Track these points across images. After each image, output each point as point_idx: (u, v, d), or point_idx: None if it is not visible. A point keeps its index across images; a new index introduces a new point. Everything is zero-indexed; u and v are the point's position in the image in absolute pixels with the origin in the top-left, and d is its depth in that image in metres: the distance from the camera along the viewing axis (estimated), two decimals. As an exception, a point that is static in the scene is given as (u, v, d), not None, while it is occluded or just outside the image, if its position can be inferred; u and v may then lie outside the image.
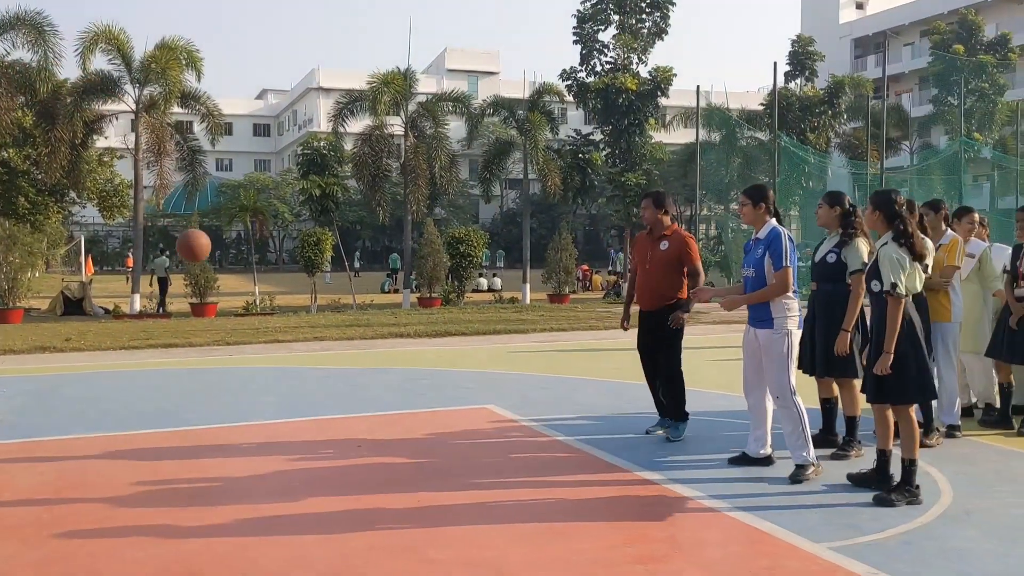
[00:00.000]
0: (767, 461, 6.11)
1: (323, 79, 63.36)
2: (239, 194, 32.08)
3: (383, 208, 27.52)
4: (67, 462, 6.47)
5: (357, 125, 28.13)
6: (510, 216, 58.35)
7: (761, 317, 5.86)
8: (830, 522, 4.98)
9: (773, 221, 5.90)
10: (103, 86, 23.57)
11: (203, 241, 7.55)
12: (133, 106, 23.91)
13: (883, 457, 5.53)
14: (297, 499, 5.53)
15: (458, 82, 52.79)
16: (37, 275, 26.05)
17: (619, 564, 4.39)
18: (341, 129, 27.44)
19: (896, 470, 5.47)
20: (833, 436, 6.59)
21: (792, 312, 5.84)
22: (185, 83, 24.16)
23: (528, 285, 28.07)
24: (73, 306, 23.68)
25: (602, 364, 11.87)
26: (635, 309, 7.45)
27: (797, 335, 5.95)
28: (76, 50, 22.84)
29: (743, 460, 6.19)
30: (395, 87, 26.40)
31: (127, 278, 38.09)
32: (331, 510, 5.29)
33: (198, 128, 26.46)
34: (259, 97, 78.30)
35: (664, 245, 6.96)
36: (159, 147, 23.96)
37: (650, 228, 7.13)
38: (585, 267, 37.04)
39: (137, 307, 22.95)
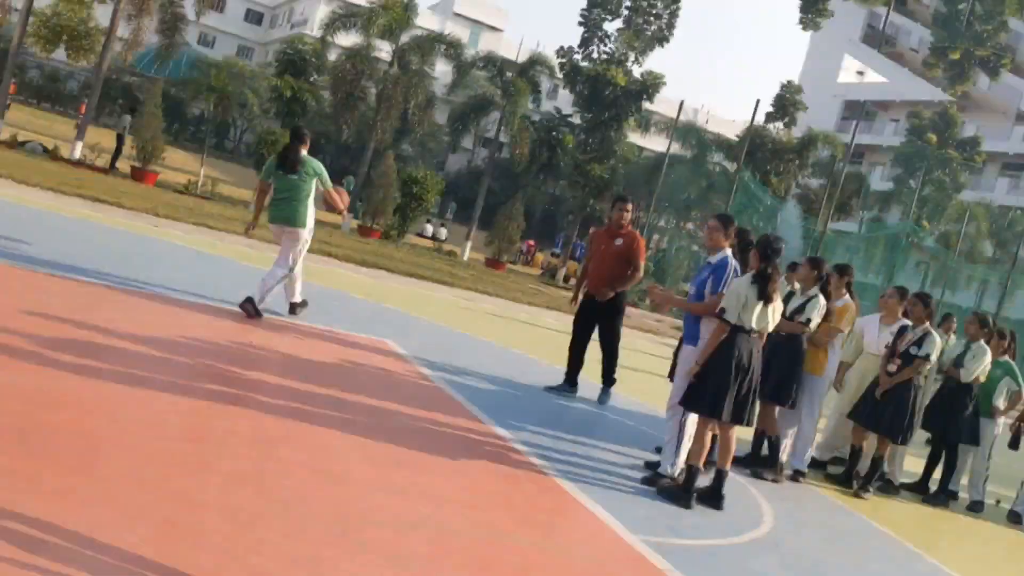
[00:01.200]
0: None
1: (328, -16, 62.02)
2: (211, 73, 31.52)
3: (349, 127, 27.40)
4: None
5: (346, 40, 27.87)
6: (475, 173, 58.28)
7: (692, 334, 6.21)
8: (654, 519, 5.36)
9: (728, 251, 6.25)
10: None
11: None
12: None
13: (717, 475, 5.99)
14: (168, 369, 5.73)
15: (461, 28, 52.25)
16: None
17: (447, 503, 4.70)
18: (329, 39, 27.16)
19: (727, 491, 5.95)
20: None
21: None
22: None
23: (470, 243, 28.28)
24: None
25: (513, 334, 12.19)
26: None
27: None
28: None
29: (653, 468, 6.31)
30: (394, 14, 26.21)
31: (76, 124, 37.13)
32: (201, 386, 5.50)
33: (189, -5, 25.95)
34: (261, -18, 76.19)
35: (619, 242, 8.04)
36: (142, 3, 23.43)
37: (610, 226, 8.25)
38: (531, 242, 37.38)
39: (77, 154, 22.54)
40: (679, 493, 5.77)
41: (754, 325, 5.87)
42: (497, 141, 30.72)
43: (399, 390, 6.95)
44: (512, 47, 53.73)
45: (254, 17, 71.95)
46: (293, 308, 8.57)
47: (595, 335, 8.38)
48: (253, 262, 11.97)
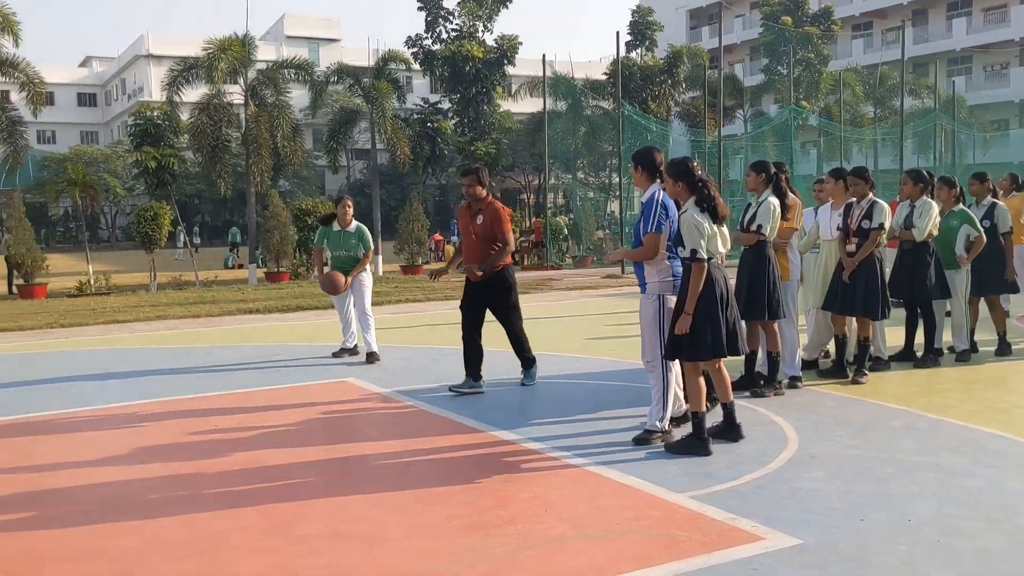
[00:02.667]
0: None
1: (153, 46, 60.02)
2: (66, 168, 30.06)
3: (224, 180, 26.49)
4: None
5: (193, 94, 26.88)
6: (358, 187, 57.42)
7: (640, 282, 5.93)
8: (688, 473, 5.20)
9: (655, 186, 5.85)
10: (-96, 51, 21.54)
11: (338, 280, 9.21)
12: (-59, 73, 21.97)
13: (726, 409, 5.86)
14: (154, 485, 5.28)
15: (298, 49, 51.10)
16: None
17: (493, 526, 4.42)
18: (176, 98, 26.14)
19: (743, 419, 5.87)
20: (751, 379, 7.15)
21: (664, 276, 5.78)
22: (2, 49, 22.36)
23: (380, 257, 27.75)
24: None
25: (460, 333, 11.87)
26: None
27: (671, 300, 5.77)
28: None
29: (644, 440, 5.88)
30: (233, 53, 25.35)
31: None
32: (192, 492, 5.08)
33: (16, 97, 24.60)
34: (83, 64, 73.31)
35: (480, 219, 7.53)
36: (-27, 117, 22.18)
37: (469, 202, 7.68)
38: (438, 236, 36.99)
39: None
40: (693, 443, 5.58)
41: (721, 250, 5.72)
42: (374, 149, 30.12)
43: (386, 424, 6.61)
44: (353, 54, 52.91)
45: (87, 100, 69.31)
46: (372, 357, 9.30)
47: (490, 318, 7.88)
48: (171, 343, 11.38)
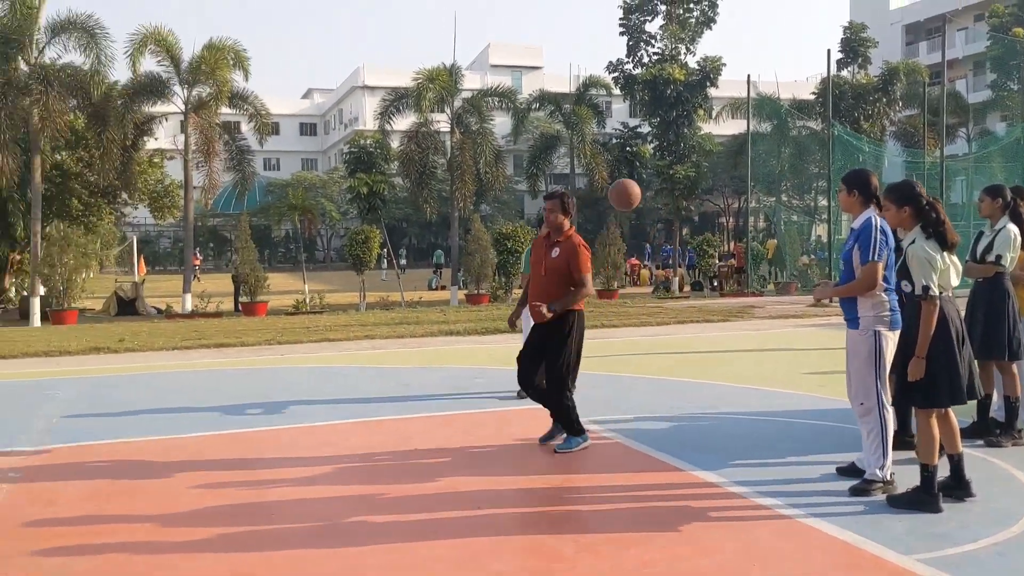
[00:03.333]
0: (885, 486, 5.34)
1: (368, 77, 63.54)
2: (287, 193, 32.27)
3: (430, 205, 27.48)
4: (119, 467, 6.39)
5: (403, 122, 28.12)
6: (555, 211, 58.06)
7: (849, 316, 5.41)
8: (915, 531, 4.68)
9: (870, 211, 5.37)
10: (153, 88, 23.82)
11: (635, 190, 7.16)
12: (182, 107, 24.11)
13: (952, 462, 5.24)
14: (354, 507, 5.37)
15: (502, 78, 52.54)
16: (91, 276, 26.42)
17: (694, 578, 4.14)
18: (387, 127, 27.46)
19: (972, 473, 5.23)
20: (909, 437, 6.27)
21: (880, 311, 5.28)
22: (233, 83, 24.29)
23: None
24: (126, 306, 24.01)
25: (657, 361, 11.58)
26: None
27: (890, 337, 5.27)
28: (126, 52, 23.10)
29: (850, 471, 5.59)
30: (440, 83, 26.30)
31: (195, 276, 38.53)
32: (389, 519, 5.11)
33: (246, 128, 26.64)
34: (305, 96, 78.86)
35: (555, 252, 6.54)
36: (208, 147, 24.21)
37: (548, 233, 6.71)
38: (634, 260, 36.66)
39: (189, 307, 23.14)
40: (922, 498, 5.02)
41: (954, 282, 5.16)
42: (572, 174, 30.35)
43: (580, 458, 6.43)
44: (554, 80, 53.66)
45: (308, 129, 74.36)
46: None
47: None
48: (377, 363, 11.76)
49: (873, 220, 5.32)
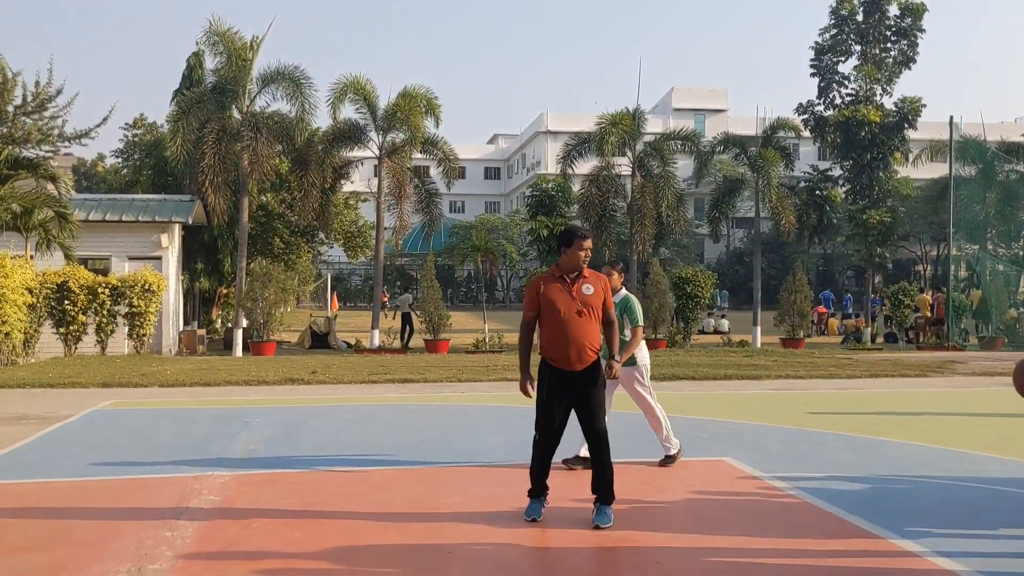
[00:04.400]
0: None
1: (551, 123, 64.75)
2: (471, 234, 33.22)
3: (608, 248, 27.42)
4: (308, 496, 6.66)
5: (584, 166, 28.33)
6: (736, 255, 56.67)
7: None
8: None
9: None
10: (351, 134, 25.18)
11: None
12: (377, 152, 25.35)
13: None
14: (529, 545, 5.34)
15: (684, 121, 52.18)
16: (288, 310, 28.11)
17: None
18: (569, 170, 27.74)
19: None
20: None
21: None
22: (425, 129, 25.32)
23: (759, 328, 26.90)
24: (319, 340, 25.30)
25: (849, 418, 10.94)
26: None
27: None
28: (327, 100, 24.57)
29: None
30: (623, 127, 26.34)
31: (384, 312, 40.29)
32: (548, 564, 5.04)
33: (434, 172, 27.65)
34: (490, 141, 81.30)
35: (589, 289, 5.96)
36: (400, 190, 25.29)
37: (563, 272, 6.04)
38: (822, 308, 35.06)
39: (376, 342, 24.11)
40: None
41: None
42: (757, 218, 29.48)
43: (766, 515, 6.12)
44: (738, 123, 52.68)
45: (492, 173, 76.58)
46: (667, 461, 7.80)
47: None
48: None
49: None
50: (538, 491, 6.04)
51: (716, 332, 31.77)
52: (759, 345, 25.76)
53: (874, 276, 35.29)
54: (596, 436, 6.04)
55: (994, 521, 5.89)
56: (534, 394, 6.04)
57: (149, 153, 30.20)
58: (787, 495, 6.67)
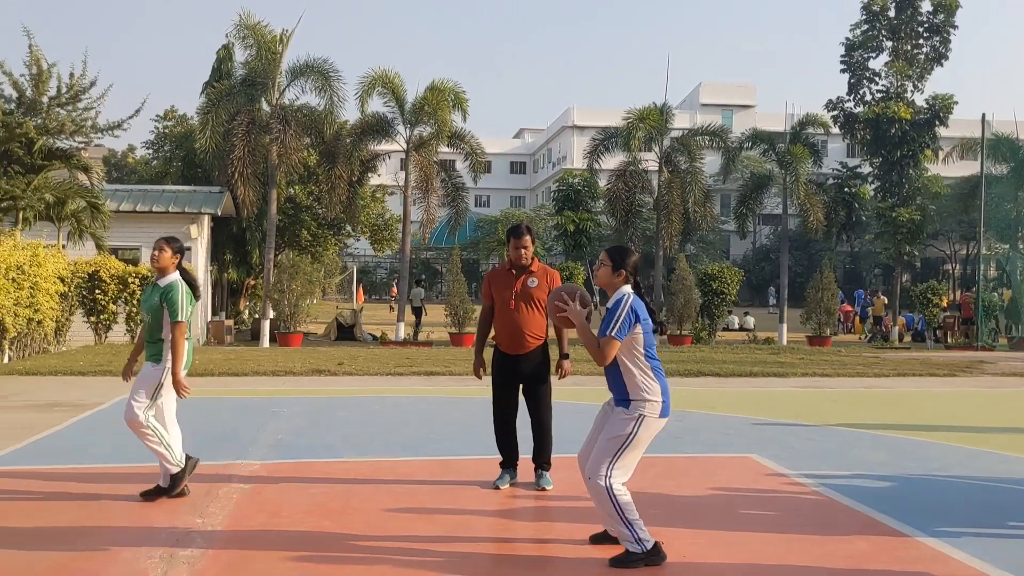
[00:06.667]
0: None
1: (577, 117, 64.65)
2: (496, 228, 33.25)
3: (634, 243, 27.39)
4: (335, 485, 6.72)
5: (611, 161, 28.27)
6: (762, 252, 56.35)
7: None
8: None
9: None
10: (378, 127, 25.28)
11: None
12: (404, 145, 25.43)
13: None
14: (554, 538, 5.36)
15: (712, 116, 51.68)
16: (315, 302, 28.31)
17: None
18: (595, 165, 27.70)
19: None
20: None
21: None
22: (452, 123, 25.35)
23: (785, 325, 26.75)
24: (345, 332, 25.44)
25: (878, 416, 10.87)
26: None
27: None
28: (356, 94, 24.68)
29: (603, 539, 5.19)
30: (651, 122, 26.27)
31: (390, 306, 40.53)
32: (589, 558, 5.06)
33: (461, 166, 27.71)
34: (516, 136, 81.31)
35: (533, 282, 6.60)
36: (426, 184, 25.36)
37: (511, 265, 6.71)
38: (847, 307, 34.80)
39: (402, 335, 24.22)
40: None
41: None
42: (785, 215, 29.31)
43: (793, 514, 6.09)
44: (766, 119, 52.21)
45: (518, 168, 76.58)
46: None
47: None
48: (581, 399, 11.75)
49: None
50: (506, 462, 6.73)
51: (741, 329, 31.63)
52: (785, 342, 25.62)
53: (902, 274, 34.97)
54: (538, 420, 6.65)
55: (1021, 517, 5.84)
56: (486, 377, 6.80)
57: (179, 145, 30.49)
58: (814, 492, 6.65)
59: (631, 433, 4.88)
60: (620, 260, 5.00)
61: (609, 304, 4.95)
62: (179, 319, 6.15)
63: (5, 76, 21.51)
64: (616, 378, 4.96)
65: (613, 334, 4.79)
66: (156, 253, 6.33)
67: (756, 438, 9.01)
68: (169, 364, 6.12)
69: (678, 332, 24.32)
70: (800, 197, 27.30)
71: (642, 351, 4.91)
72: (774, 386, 14.19)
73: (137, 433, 6.12)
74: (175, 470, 6.16)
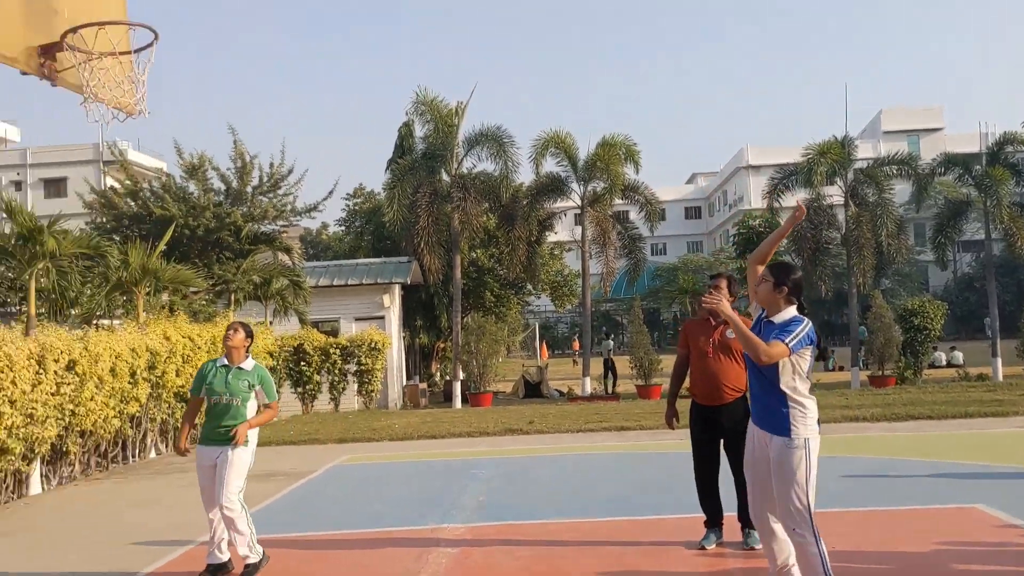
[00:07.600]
0: None
1: (752, 157, 63.32)
2: (676, 276, 32.90)
3: (824, 282, 26.32)
4: (540, 547, 6.78)
5: (791, 199, 27.42)
6: (965, 281, 52.64)
7: None
8: None
9: None
10: (553, 186, 25.77)
11: None
12: (579, 202, 25.76)
13: None
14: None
15: (897, 144, 49.28)
16: (500, 360, 28.85)
17: None
18: (776, 204, 26.95)
19: None
20: None
21: None
22: (625, 176, 25.49)
23: (999, 359, 24.78)
24: (532, 389, 25.77)
25: None
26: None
27: None
28: (529, 157, 25.30)
29: None
30: (832, 156, 25.36)
31: (573, 360, 40.72)
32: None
33: (635, 216, 27.71)
34: (689, 181, 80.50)
35: (731, 333, 5.96)
36: (603, 238, 25.53)
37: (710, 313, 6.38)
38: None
39: (588, 389, 24.26)
40: None
41: None
42: (988, 240, 27.35)
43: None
44: (957, 141, 49.27)
45: (693, 213, 75.68)
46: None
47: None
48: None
49: None
50: (711, 522, 6.52)
51: (949, 365, 29.58)
52: (1000, 378, 23.72)
53: None
54: (741, 476, 5.99)
55: None
56: (682, 431, 6.74)
57: (369, 219, 32.20)
58: (1056, 547, 6.09)
59: (807, 464, 4.80)
60: (782, 277, 4.86)
61: (780, 319, 4.82)
62: (276, 399, 6.41)
63: (214, 171, 23.65)
64: (768, 407, 4.87)
65: (788, 343, 4.66)
66: (235, 334, 6.22)
67: (980, 486, 8.38)
68: (254, 443, 6.26)
69: (880, 373, 23.05)
70: (1004, 221, 25.43)
71: (804, 370, 4.86)
72: (994, 427, 13.15)
73: (230, 517, 5.91)
74: (255, 559, 6.01)
